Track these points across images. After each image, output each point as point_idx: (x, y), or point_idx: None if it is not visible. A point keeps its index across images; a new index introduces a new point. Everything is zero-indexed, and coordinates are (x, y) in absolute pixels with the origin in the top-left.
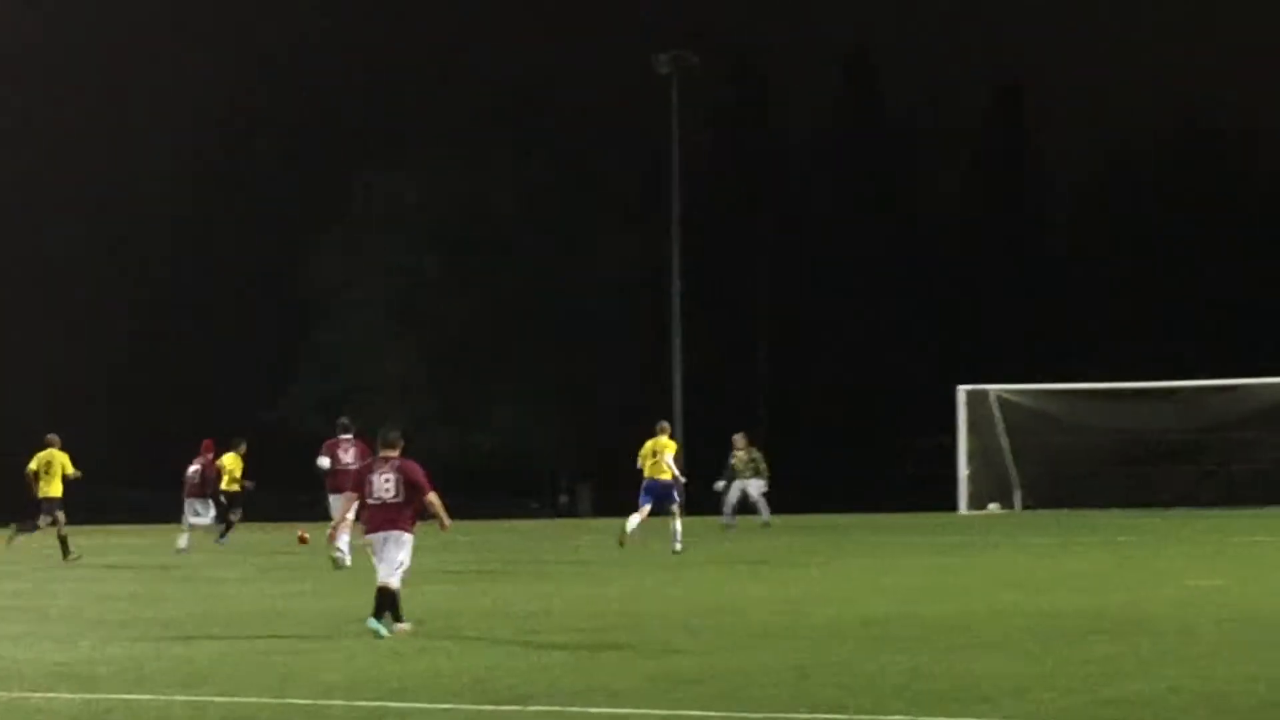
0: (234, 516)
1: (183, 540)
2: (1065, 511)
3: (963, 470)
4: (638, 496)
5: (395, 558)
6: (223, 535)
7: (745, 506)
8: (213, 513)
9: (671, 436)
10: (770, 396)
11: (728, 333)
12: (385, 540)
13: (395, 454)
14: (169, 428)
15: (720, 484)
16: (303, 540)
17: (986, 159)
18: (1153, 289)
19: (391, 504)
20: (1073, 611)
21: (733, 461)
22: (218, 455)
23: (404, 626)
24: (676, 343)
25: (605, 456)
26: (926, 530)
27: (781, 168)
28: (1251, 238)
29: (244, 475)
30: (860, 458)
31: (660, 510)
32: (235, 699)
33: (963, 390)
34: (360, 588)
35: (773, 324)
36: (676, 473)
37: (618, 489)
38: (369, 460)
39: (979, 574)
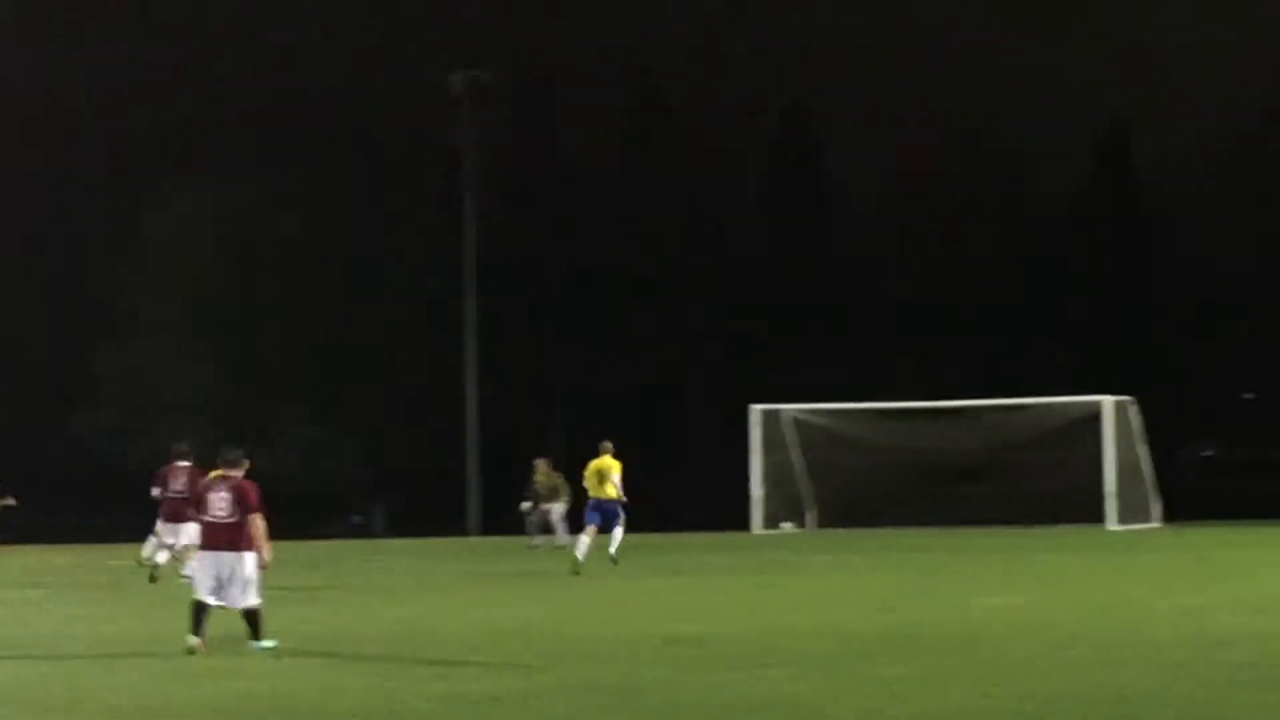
0: None
1: None
2: (858, 531)
3: (756, 490)
4: (584, 515)
5: (242, 577)
6: None
7: (548, 528)
8: None
9: (616, 456)
10: (567, 418)
11: (524, 353)
12: (219, 559)
13: (236, 473)
14: None
15: (526, 505)
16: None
17: (775, 178)
18: (941, 309)
19: (226, 523)
20: (863, 630)
21: (535, 484)
22: None
23: (196, 642)
24: (471, 363)
25: (395, 479)
26: (720, 550)
27: (572, 186)
28: (1032, 258)
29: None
30: (656, 479)
31: (606, 529)
32: None
33: (756, 410)
34: (148, 610)
35: (568, 345)
36: (621, 491)
37: (411, 509)
38: (207, 479)
39: (771, 593)
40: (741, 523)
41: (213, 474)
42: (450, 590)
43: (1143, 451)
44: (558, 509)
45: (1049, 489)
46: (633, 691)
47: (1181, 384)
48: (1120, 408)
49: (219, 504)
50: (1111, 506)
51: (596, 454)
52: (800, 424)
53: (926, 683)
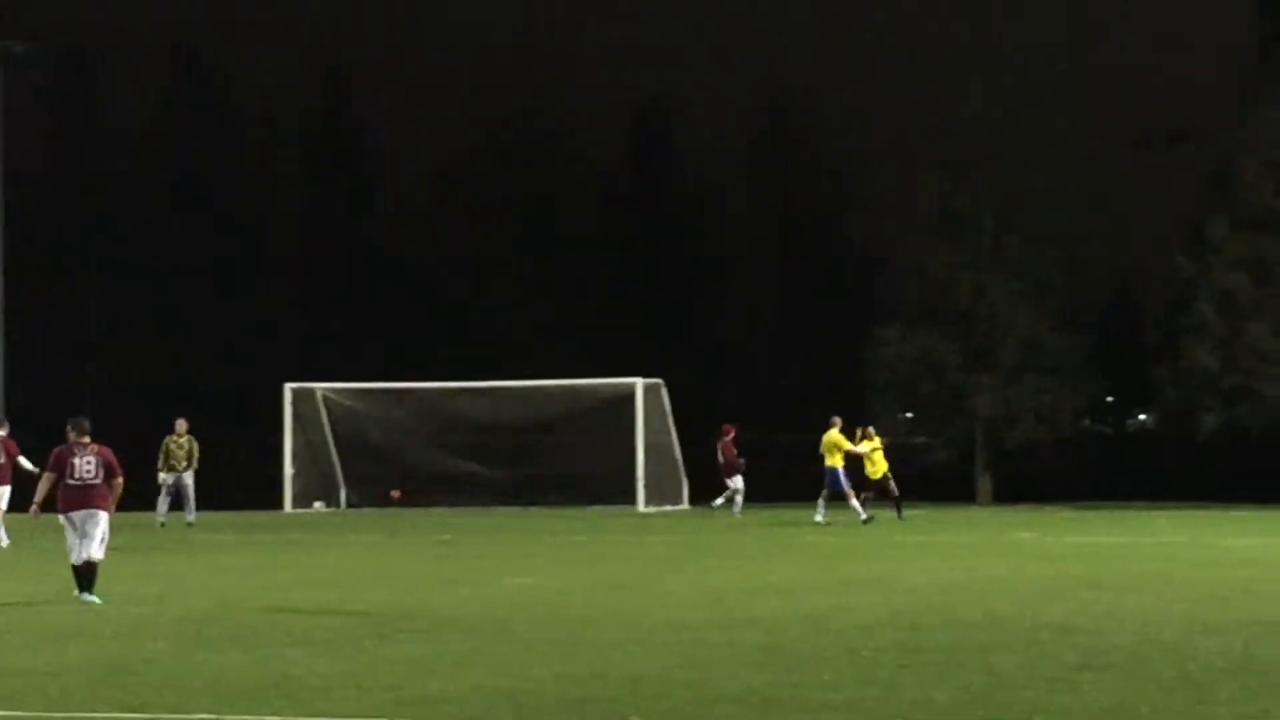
0: None
1: None
2: (389, 510)
3: (288, 469)
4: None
5: (96, 534)
6: None
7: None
8: None
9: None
10: (100, 392)
11: (64, 329)
12: (86, 517)
13: (89, 439)
14: None
15: (164, 476)
16: None
17: (314, 152)
18: (476, 288)
19: (92, 484)
20: (387, 610)
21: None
22: None
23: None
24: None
25: None
26: (248, 529)
27: (109, 161)
28: (567, 239)
29: None
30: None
31: None
32: None
33: (289, 388)
34: None
35: (108, 320)
36: None
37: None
38: (65, 445)
39: (299, 572)
40: (275, 502)
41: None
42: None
43: (673, 434)
44: (189, 476)
45: (581, 471)
46: (144, 667)
47: (712, 367)
48: (651, 390)
49: (85, 467)
50: (641, 488)
51: None
52: (332, 403)
53: (447, 662)
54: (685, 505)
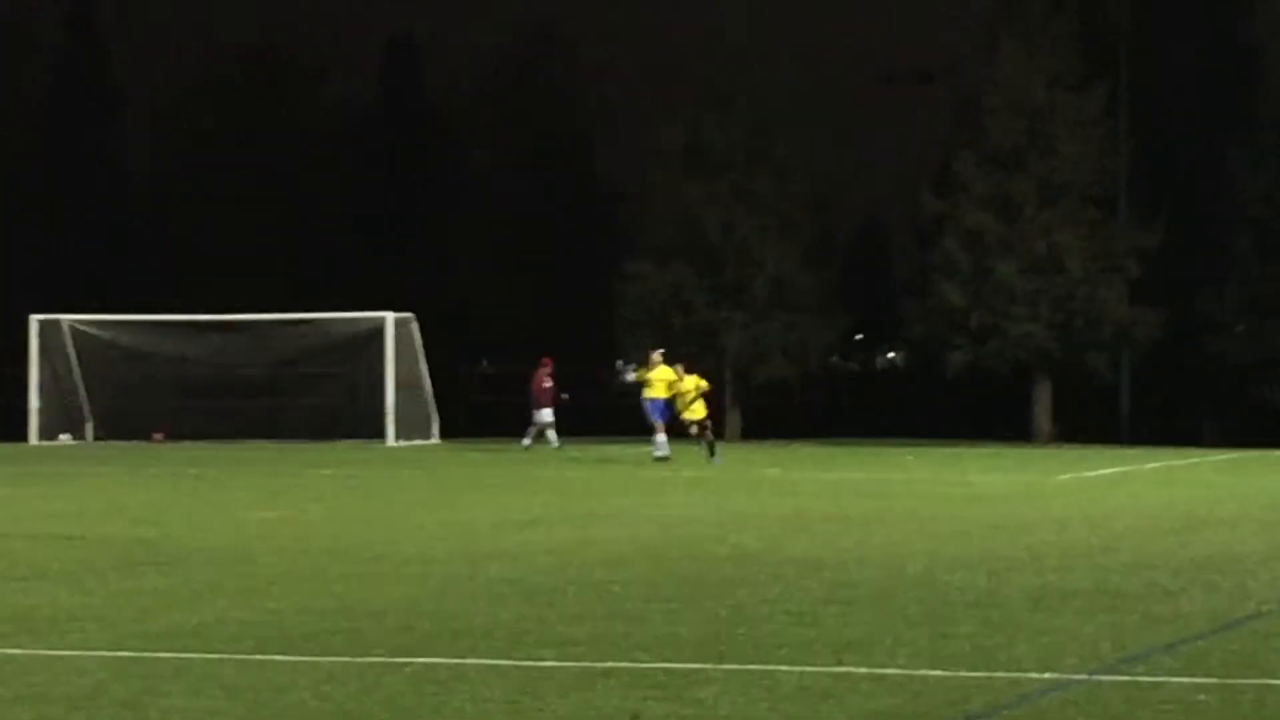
0: None
1: None
2: (136, 444)
3: (34, 401)
4: None
5: None
6: None
7: None
8: None
9: None
10: None
11: None
12: None
13: None
14: None
15: None
16: None
17: (61, 82)
18: (229, 222)
19: None
20: (128, 542)
21: None
22: None
23: None
24: None
25: None
26: None
27: None
28: (322, 172)
29: None
30: None
31: None
32: None
33: (35, 320)
34: None
35: None
36: None
37: None
38: None
39: (39, 504)
40: (20, 434)
41: None
42: None
43: (423, 368)
44: None
45: (331, 405)
46: None
47: (464, 301)
48: (402, 324)
49: None
50: (391, 423)
51: None
52: (79, 334)
53: (189, 594)
54: (436, 440)
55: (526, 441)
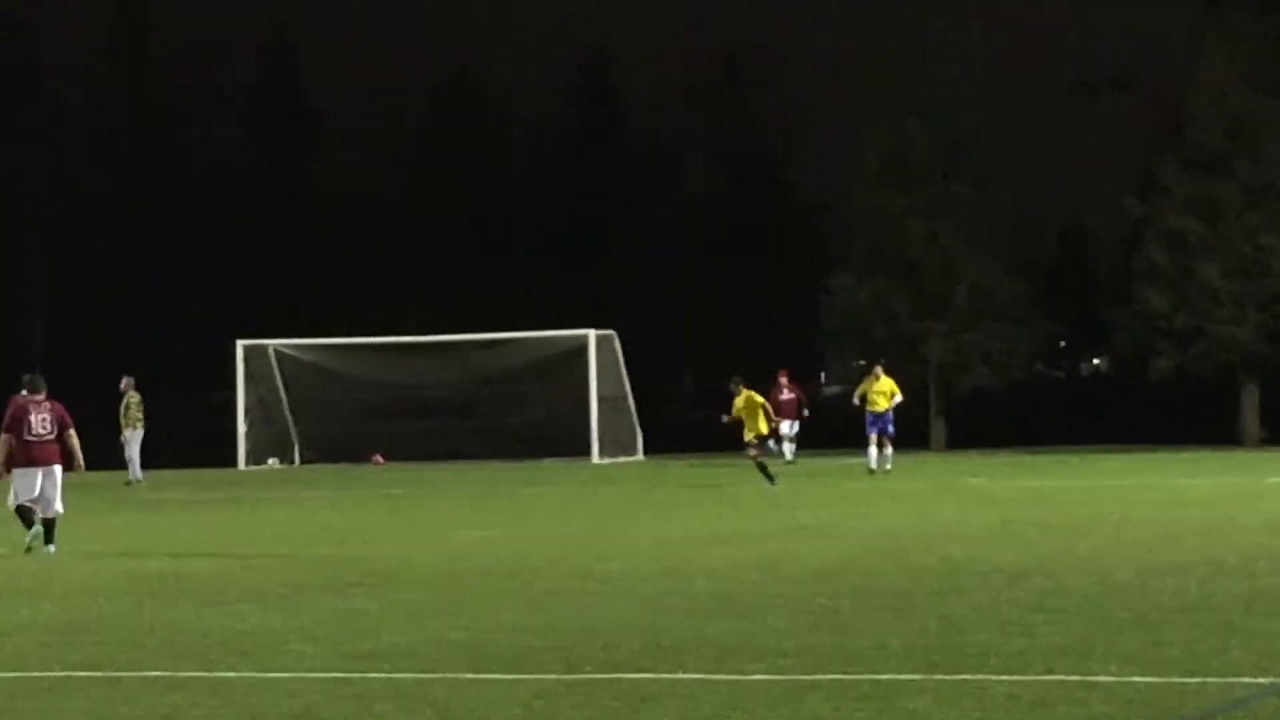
0: None
1: None
2: (343, 466)
3: (242, 426)
4: None
5: (57, 488)
6: None
7: None
8: None
9: None
10: (48, 352)
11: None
12: (46, 473)
13: (43, 397)
14: None
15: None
16: None
17: (259, 113)
18: (431, 241)
19: (48, 440)
20: (338, 564)
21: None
22: None
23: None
24: None
25: None
26: (201, 487)
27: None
28: (519, 193)
29: None
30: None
31: None
32: None
33: (241, 344)
34: None
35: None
36: None
37: None
38: (19, 403)
39: (250, 528)
40: (230, 459)
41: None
42: None
43: (626, 385)
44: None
45: (536, 423)
46: (95, 625)
47: (662, 318)
48: (604, 341)
49: (41, 423)
50: (596, 440)
51: None
52: (284, 358)
53: (400, 615)
54: (640, 456)
55: (788, 455)
